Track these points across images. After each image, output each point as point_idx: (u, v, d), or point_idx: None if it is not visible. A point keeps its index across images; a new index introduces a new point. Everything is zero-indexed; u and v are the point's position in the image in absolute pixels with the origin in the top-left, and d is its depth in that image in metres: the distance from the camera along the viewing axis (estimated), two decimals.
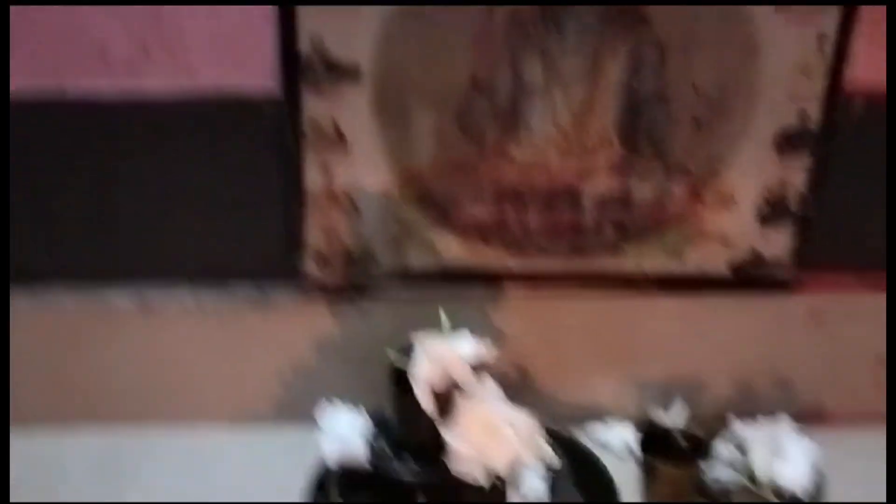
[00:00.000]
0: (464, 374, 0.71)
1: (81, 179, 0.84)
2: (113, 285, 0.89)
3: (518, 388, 0.91)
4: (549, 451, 0.75)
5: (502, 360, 0.90)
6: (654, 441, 0.84)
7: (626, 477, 0.85)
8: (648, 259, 0.88)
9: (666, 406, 0.91)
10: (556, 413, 0.90)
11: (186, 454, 0.91)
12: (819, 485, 0.86)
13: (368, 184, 0.84)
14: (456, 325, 0.76)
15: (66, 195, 0.85)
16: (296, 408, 0.91)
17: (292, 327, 0.90)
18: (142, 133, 0.82)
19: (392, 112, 0.81)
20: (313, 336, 0.91)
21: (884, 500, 0.85)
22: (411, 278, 0.88)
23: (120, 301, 0.88)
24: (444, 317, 0.73)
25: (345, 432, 0.79)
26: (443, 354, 0.70)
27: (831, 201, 0.87)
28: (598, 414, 0.95)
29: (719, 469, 0.85)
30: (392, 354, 0.72)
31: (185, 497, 0.85)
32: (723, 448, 0.86)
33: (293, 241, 0.86)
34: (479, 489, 0.69)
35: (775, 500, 0.83)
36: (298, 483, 0.82)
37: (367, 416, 0.79)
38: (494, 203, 0.85)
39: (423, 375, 0.69)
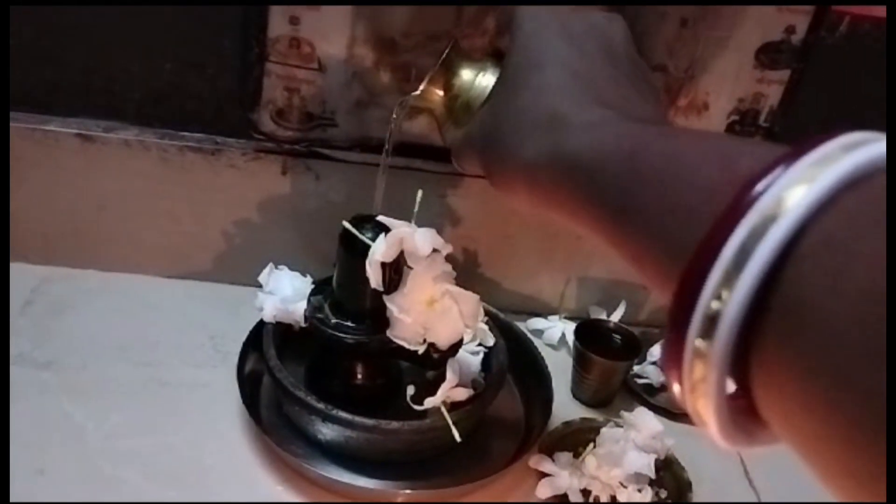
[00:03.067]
0: (418, 257, 0.69)
1: (31, 11, 0.78)
2: (55, 118, 0.84)
3: (464, 270, 0.91)
4: (485, 329, 0.75)
5: (452, 242, 0.90)
6: (591, 335, 0.85)
7: (559, 366, 0.86)
8: None
9: (606, 306, 0.92)
10: (497, 301, 0.90)
11: (119, 301, 0.89)
12: None
13: (336, 43, 0.79)
14: (410, 200, 0.74)
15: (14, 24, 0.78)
16: (236, 266, 0.90)
17: (241, 182, 0.87)
18: None
19: None
20: (262, 193, 0.88)
21: None
22: (370, 146, 0.85)
23: (61, 132, 0.84)
24: (418, 199, 0.70)
25: (286, 292, 0.78)
26: (403, 238, 0.68)
27: (801, 119, 0.86)
28: (538, 307, 0.96)
29: (649, 368, 0.88)
30: (347, 224, 0.70)
31: (112, 341, 0.83)
32: (656, 350, 0.88)
33: (250, 91, 0.82)
34: (415, 355, 0.69)
35: None
36: (234, 339, 0.82)
37: (309, 279, 0.78)
38: None
39: (378, 256, 0.67)
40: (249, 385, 0.79)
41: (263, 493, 0.72)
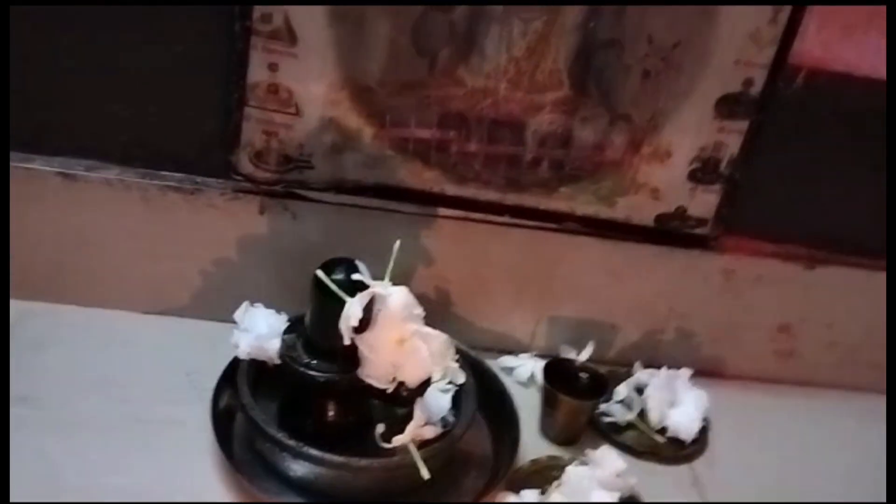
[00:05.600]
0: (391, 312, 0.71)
1: (16, 49, 0.81)
2: (38, 157, 0.86)
3: (436, 310, 0.93)
4: (456, 367, 0.77)
5: (425, 281, 0.93)
6: (559, 374, 0.88)
7: (528, 404, 0.88)
8: (580, 202, 0.90)
9: (575, 344, 0.95)
10: (469, 339, 0.92)
11: (98, 336, 0.90)
12: (704, 432, 0.91)
13: (314, 88, 0.82)
14: (385, 240, 0.76)
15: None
16: (214, 303, 0.91)
17: (219, 222, 0.89)
18: (78, 9, 0.79)
19: (348, 18, 0.79)
20: (240, 233, 0.90)
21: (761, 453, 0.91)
22: (346, 188, 0.88)
23: (44, 170, 0.86)
24: (395, 250, 0.72)
25: (260, 330, 0.79)
26: (375, 296, 0.71)
27: (760, 169, 0.90)
28: (510, 345, 0.98)
29: (615, 408, 0.90)
30: (320, 273, 0.72)
31: (90, 376, 0.84)
32: (623, 389, 0.90)
33: (229, 134, 0.85)
34: (384, 393, 0.71)
35: (659, 439, 0.89)
36: (210, 375, 0.83)
37: (284, 317, 0.80)
38: (439, 126, 0.85)
39: (352, 321, 0.69)
40: (224, 421, 0.81)
41: None
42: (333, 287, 0.69)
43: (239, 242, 0.91)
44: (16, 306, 0.91)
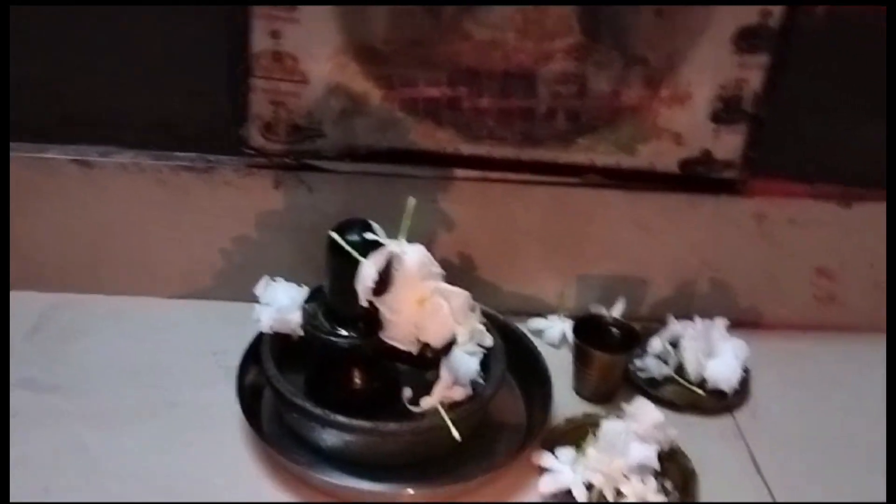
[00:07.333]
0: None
1: (27, 41, 0.81)
2: (53, 146, 0.86)
3: (460, 274, 0.92)
4: (482, 329, 0.75)
5: (447, 246, 0.91)
6: (590, 331, 0.85)
7: (560, 365, 0.86)
8: (600, 152, 0.87)
9: (606, 303, 0.92)
10: (497, 304, 0.90)
11: (125, 324, 0.90)
12: (745, 382, 0.88)
13: (318, 53, 0.81)
14: (403, 206, 0.74)
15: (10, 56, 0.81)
16: (236, 283, 0.91)
17: (236, 199, 0.88)
18: None
19: None
20: (257, 209, 0.89)
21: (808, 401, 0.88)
22: (359, 155, 0.86)
23: (59, 158, 0.86)
24: (409, 208, 0.71)
25: (282, 303, 0.79)
26: (391, 256, 0.69)
27: (786, 106, 0.86)
28: (539, 307, 0.95)
29: (650, 361, 0.87)
30: (334, 235, 0.71)
31: (120, 364, 0.85)
32: (657, 342, 0.88)
33: (238, 108, 0.84)
34: (410, 355, 0.70)
35: (698, 391, 0.86)
36: (236, 354, 0.82)
37: (305, 289, 0.79)
38: (448, 83, 0.83)
39: (368, 282, 0.68)
40: (251, 398, 0.80)
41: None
42: (347, 247, 0.68)
43: (257, 218, 0.90)
44: (43, 298, 0.92)
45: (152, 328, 0.91)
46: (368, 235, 0.69)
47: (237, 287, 0.90)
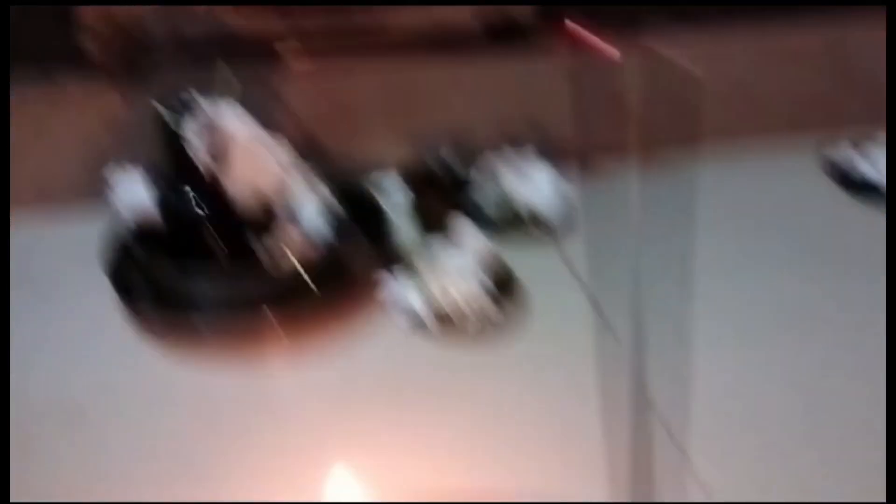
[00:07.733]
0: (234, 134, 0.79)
1: None
2: None
3: (306, 153, 1.00)
4: (313, 178, 0.85)
5: (289, 132, 0.99)
6: (422, 179, 0.96)
7: (400, 213, 0.97)
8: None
9: (437, 153, 1.02)
10: (339, 164, 0.99)
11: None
12: (567, 213, 1.00)
13: None
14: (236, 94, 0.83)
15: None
16: (96, 185, 0.97)
17: (82, 110, 0.95)
18: None
19: None
20: (103, 116, 0.96)
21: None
22: (189, 50, 0.93)
23: None
24: (226, 75, 0.79)
25: (135, 192, 0.87)
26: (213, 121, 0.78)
27: None
28: (382, 168, 1.05)
29: (480, 196, 0.99)
30: (164, 113, 0.79)
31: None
32: (478, 177, 0.99)
33: (67, 19, 0.89)
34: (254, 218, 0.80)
35: (523, 216, 0.97)
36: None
37: (153, 174, 0.87)
38: None
39: (195, 137, 0.77)
40: (124, 282, 0.87)
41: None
42: (167, 116, 0.77)
43: (103, 124, 0.96)
44: None
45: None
46: (186, 98, 0.78)
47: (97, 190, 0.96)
